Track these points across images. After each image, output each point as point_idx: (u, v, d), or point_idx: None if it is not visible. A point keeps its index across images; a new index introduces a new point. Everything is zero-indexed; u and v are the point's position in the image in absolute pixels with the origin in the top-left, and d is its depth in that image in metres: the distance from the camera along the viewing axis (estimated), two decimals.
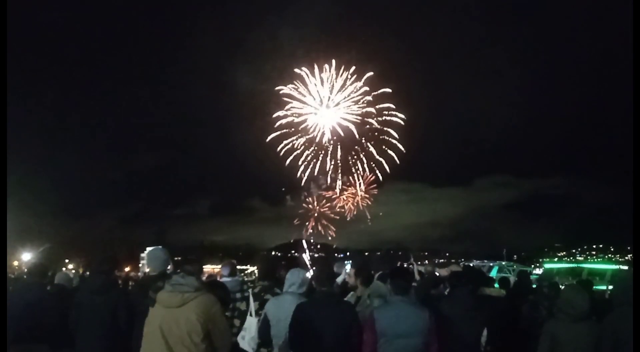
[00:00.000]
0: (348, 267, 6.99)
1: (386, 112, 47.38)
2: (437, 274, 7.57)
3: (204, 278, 6.55)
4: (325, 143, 47.42)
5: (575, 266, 19.54)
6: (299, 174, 47.82)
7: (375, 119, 46.70)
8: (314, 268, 4.61)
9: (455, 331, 4.42)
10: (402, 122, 47.67)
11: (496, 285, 7.93)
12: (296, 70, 45.88)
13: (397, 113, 47.50)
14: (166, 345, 3.44)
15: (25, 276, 7.24)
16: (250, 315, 4.68)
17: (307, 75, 46.01)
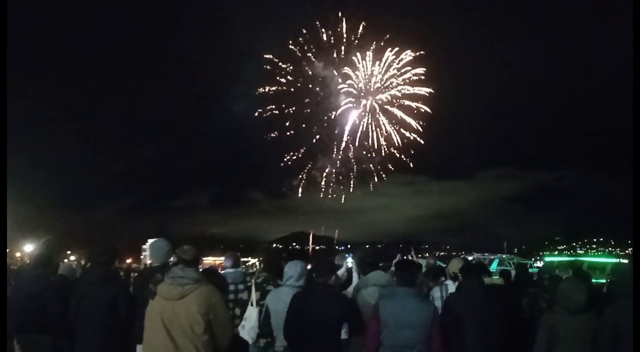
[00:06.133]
0: (349, 260, 7.00)
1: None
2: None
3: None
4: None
5: (575, 259, 19.55)
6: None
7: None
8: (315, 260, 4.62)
9: (467, 322, 4.38)
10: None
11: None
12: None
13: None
14: (168, 336, 3.47)
15: (28, 267, 7.27)
16: (252, 305, 4.70)
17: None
